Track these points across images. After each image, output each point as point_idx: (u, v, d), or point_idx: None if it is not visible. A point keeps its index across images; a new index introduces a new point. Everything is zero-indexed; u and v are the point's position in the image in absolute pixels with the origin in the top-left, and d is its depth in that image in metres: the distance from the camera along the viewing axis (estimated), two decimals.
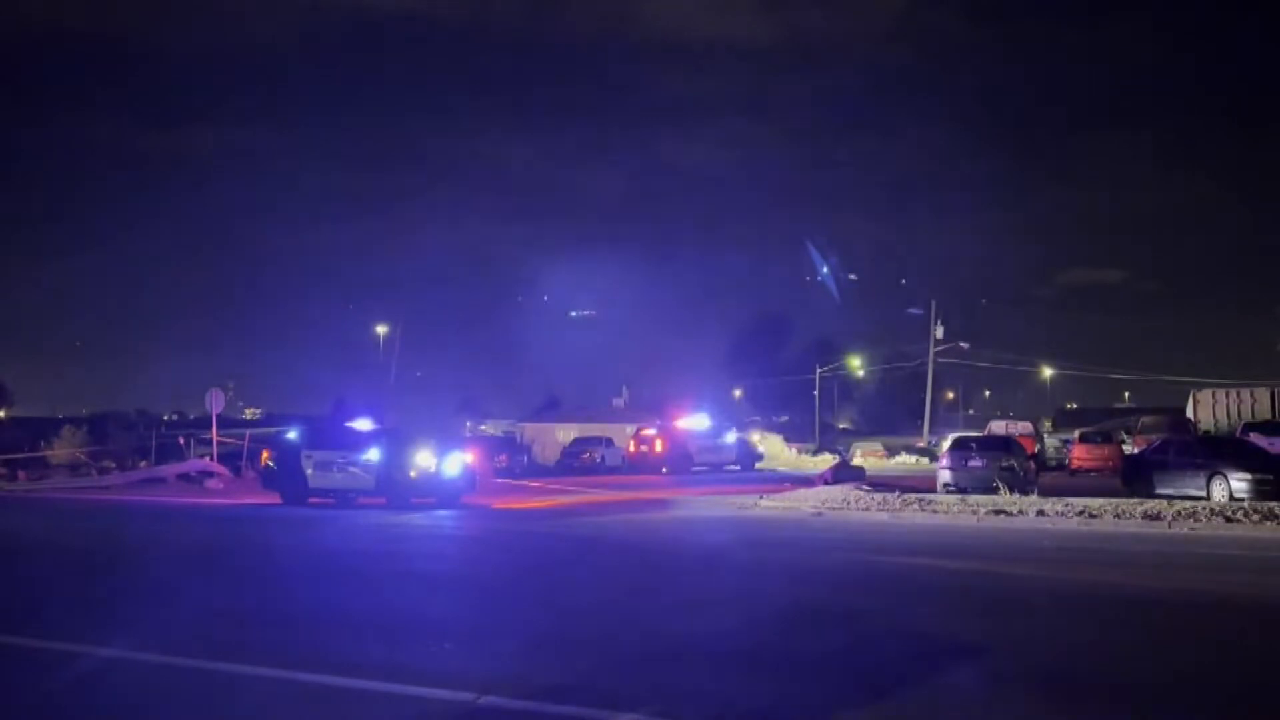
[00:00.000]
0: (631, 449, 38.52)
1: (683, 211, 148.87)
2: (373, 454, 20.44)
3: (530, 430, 56.32)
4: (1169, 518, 15.72)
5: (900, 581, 10.32)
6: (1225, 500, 18.66)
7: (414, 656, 6.76)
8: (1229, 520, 15.44)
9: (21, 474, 28.59)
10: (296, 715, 5.51)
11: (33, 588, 10.14)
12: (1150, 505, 16.85)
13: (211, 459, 29.89)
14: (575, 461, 40.10)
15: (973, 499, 18.44)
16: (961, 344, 63.14)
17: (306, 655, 6.58)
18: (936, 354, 62.25)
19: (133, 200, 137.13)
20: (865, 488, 22.46)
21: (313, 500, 20.69)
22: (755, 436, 49.50)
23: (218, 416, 30.73)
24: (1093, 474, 30.63)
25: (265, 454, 22.88)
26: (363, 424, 21.57)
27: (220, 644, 6.94)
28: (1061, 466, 34.66)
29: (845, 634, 7.62)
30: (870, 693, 5.79)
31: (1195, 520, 15.51)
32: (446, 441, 22.95)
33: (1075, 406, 71.69)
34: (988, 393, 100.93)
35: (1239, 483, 19.43)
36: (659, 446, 37.06)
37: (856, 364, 79.98)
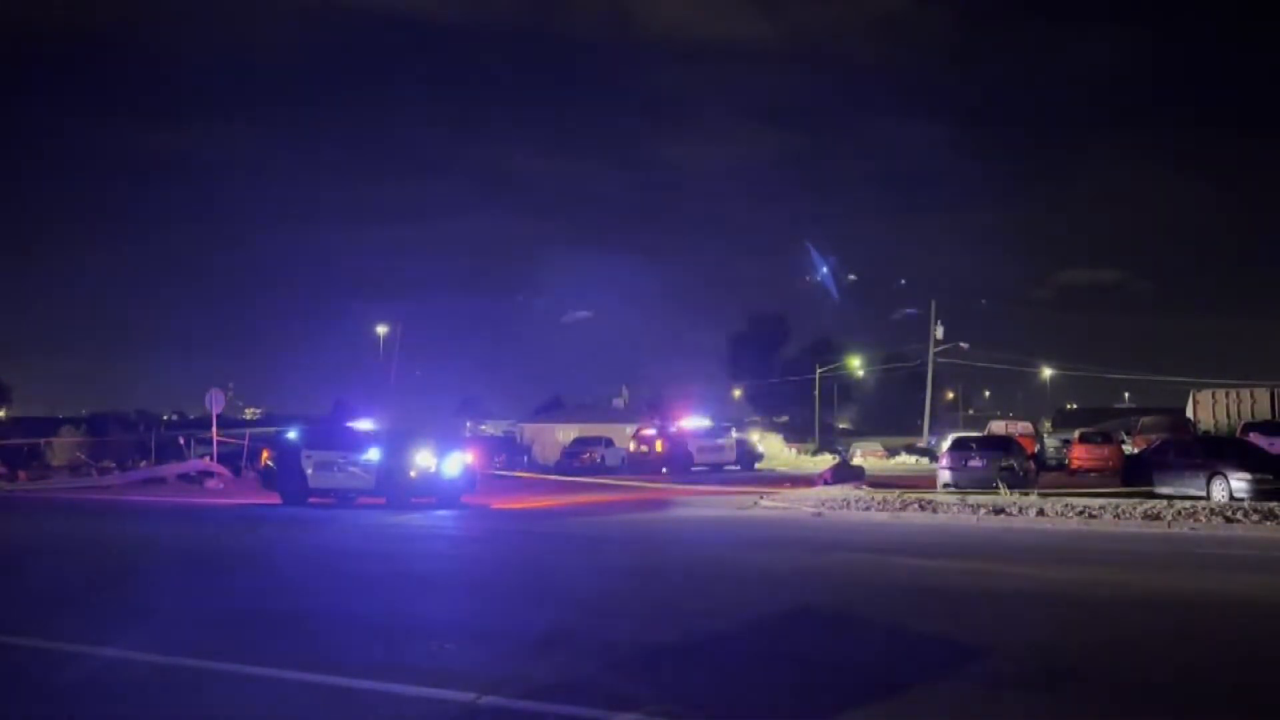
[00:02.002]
0: (631, 449, 38.55)
1: (682, 211, 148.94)
2: (373, 454, 20.44)
3: (530, 430, 56.43)
4: (1169, 518, 15.72)
5: (900, 581, 10.31)
6: (1225, 500, 18.67)
7: (414, 656, 6.76)
8: (1229, 520, 15.45)
9: (22, 474, 28.62)
10: (297, 715, 5.51)
11: (33, 588, 10.14)
12: (1150, 505, 16.85)
13: (211, 459, 29.90)
14: (575, 461, 40.15)
15: (973, 499, 18.44)
16: (961, 344, 63.31)
17: (307, 655, 6.58)
18: (936, 354, 62.32)
19: (133, 200, 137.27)
20: (865, 488, 22.47)
21: (313, 500, 20.69)
22: (755, 436, 49.58)
23: (218, 417, 30.75)
24: (1092, 474, 30.59)
25: (265, 454, 22.89)
26: (364, 424, 21.59)
27: (221, 644, 6.94)
28: (1061, 466, 34.61)
29: (845, 634, 7.62)
30: (871, 692, 5.79)
31: (1195, 520, 15.51)
32: (446, 441, 22.93)
33: (1075, 406, 71.64)
34: (988, 393, 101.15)
35: (1239, 483, 19.45)
36: (659, 446, 37.08)
37: (856, 364, 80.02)
